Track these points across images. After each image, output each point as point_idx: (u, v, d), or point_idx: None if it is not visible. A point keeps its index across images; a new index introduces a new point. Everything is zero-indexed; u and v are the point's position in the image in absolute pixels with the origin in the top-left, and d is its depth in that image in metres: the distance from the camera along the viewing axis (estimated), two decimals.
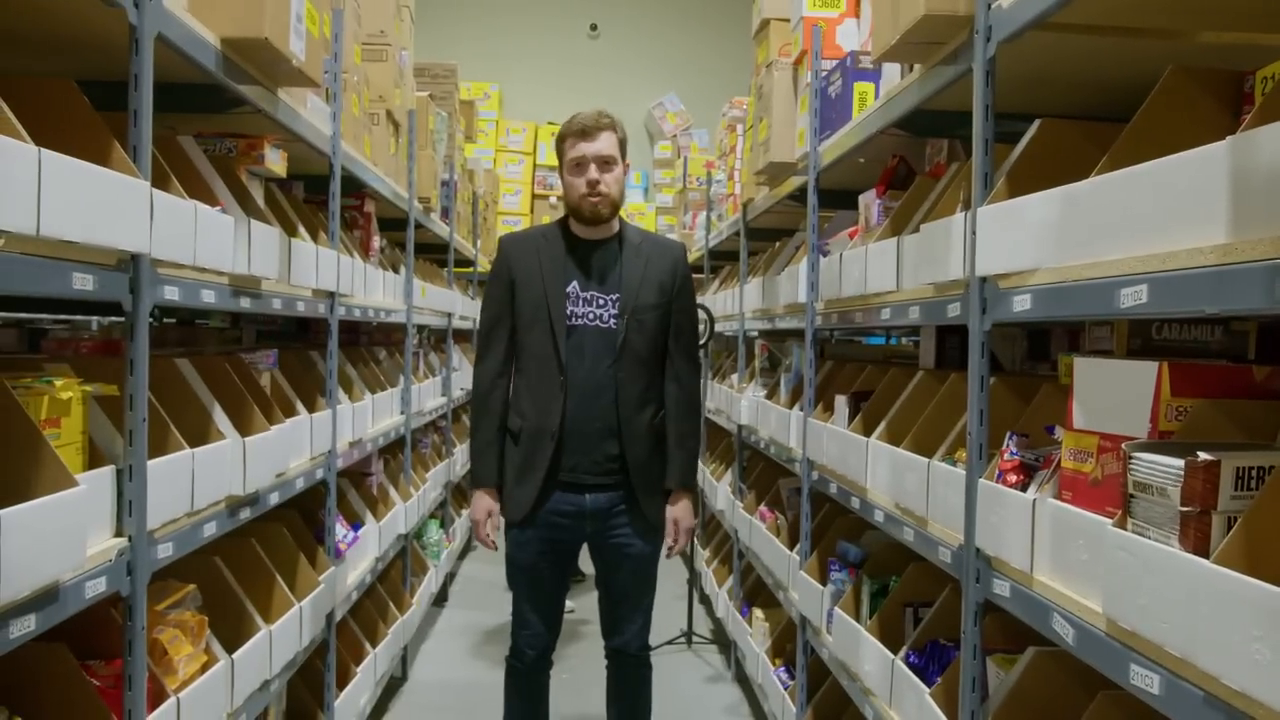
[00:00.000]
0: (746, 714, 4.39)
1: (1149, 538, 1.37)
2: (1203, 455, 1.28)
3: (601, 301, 2.91)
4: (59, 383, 1.70)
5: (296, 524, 3.25)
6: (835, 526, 3.43)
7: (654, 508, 2.99)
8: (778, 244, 4.89)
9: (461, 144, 6.77)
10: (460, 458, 6.66)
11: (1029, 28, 1.83)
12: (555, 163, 10.47)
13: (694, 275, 8.57)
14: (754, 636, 4.35)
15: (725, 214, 5.87)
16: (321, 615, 3.12)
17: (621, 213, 10.49)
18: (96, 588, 1.72)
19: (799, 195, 3.73)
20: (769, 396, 4.34)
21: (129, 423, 1.85)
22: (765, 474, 4.73)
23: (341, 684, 3.51)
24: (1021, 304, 1.77)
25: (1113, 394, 1.57)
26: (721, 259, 6.93)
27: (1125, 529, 1.42)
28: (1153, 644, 1.34)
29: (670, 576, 6.57)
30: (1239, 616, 1.16)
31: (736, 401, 4.82)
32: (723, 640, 5.20)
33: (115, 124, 1.90)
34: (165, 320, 4.51)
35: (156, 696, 2.04)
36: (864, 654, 2.67)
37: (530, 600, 3.04)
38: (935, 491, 2.19)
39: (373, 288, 3.91)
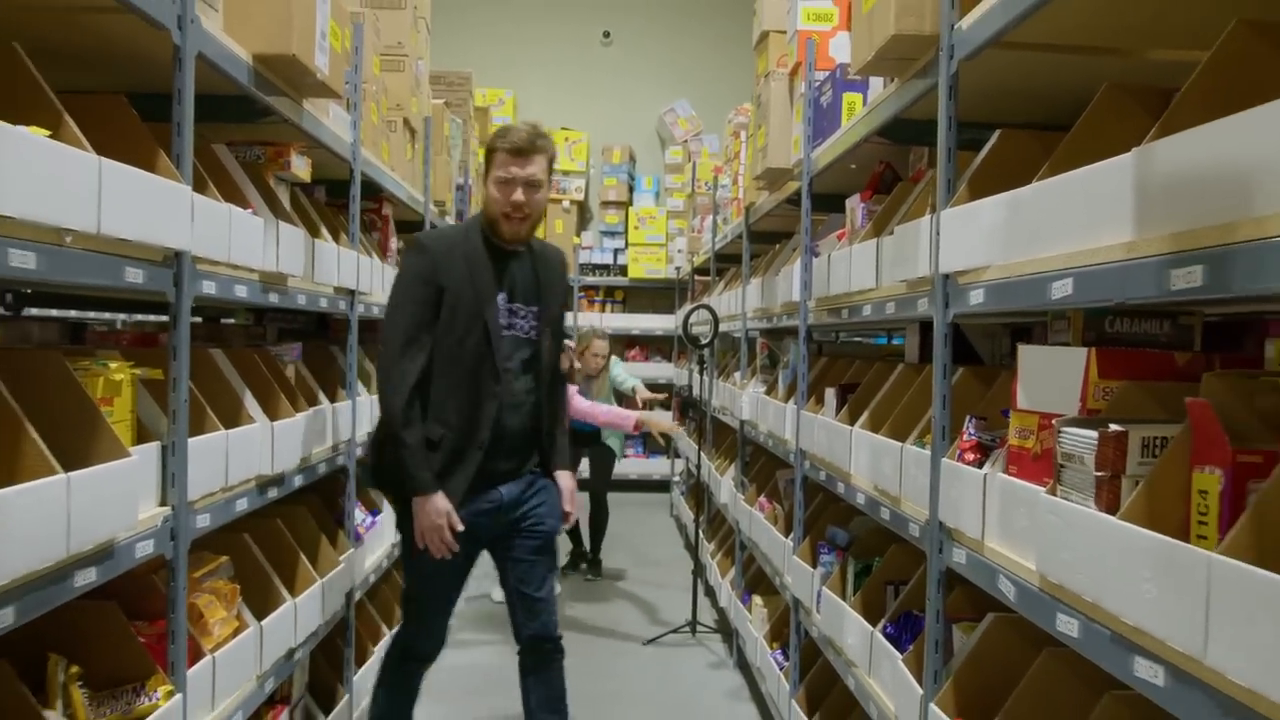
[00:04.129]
0: (747, 698, 4.57)
1: (1073, 502, 1.56)
2: (1113, 426, 1.46)
3: (523, 313, 2.96)
4: (113, 365, 1.91)
5: (318, 507, 3.45)
6: (827, 514, 3.62)
7: (556, 492, 3.10)
8: (778, 246, 5.08)
9: (476, 149, 6.99)
10: None
11: (987, 46, 2.01)
12: (568, 167, 10.63)
13: (701, 277, 8.73)
14: (753, 622, 4.53)
15: (730, 217, 6.06)
16: (341, 593, 3.33)
17: (634, 216, 10.63)
18: (145, 549, 1.92)
19: (796, 199, 3.91)
20: (768, 392, 4.53)
21: (172, 403, 2.06)
22: (765, 467, 4.91)
23: (360, 662, 3.71)
24: (976, 298, 1.96)
25: (1050, 377, 1.75)
26: (727, 261, 7.12)
27: (1055, 495, 1.61)
28: (1073, 594, 1.53)
29: (676, 569, 6.80)
30: (1135, 562, 1.34)
31: (738, 398, 5.01)
32: (726, 629, 5.38)
33: (158, 133, 2.11)
34: (191, 318, 4.73)
35: (194, 655, 2.24)
36: (847, 628, 2.86)
37: (445, 608, 3.05)
38: (907, 473, 2.38)
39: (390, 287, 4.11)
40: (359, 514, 3.73)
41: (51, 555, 1.58)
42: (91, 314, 5.51)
